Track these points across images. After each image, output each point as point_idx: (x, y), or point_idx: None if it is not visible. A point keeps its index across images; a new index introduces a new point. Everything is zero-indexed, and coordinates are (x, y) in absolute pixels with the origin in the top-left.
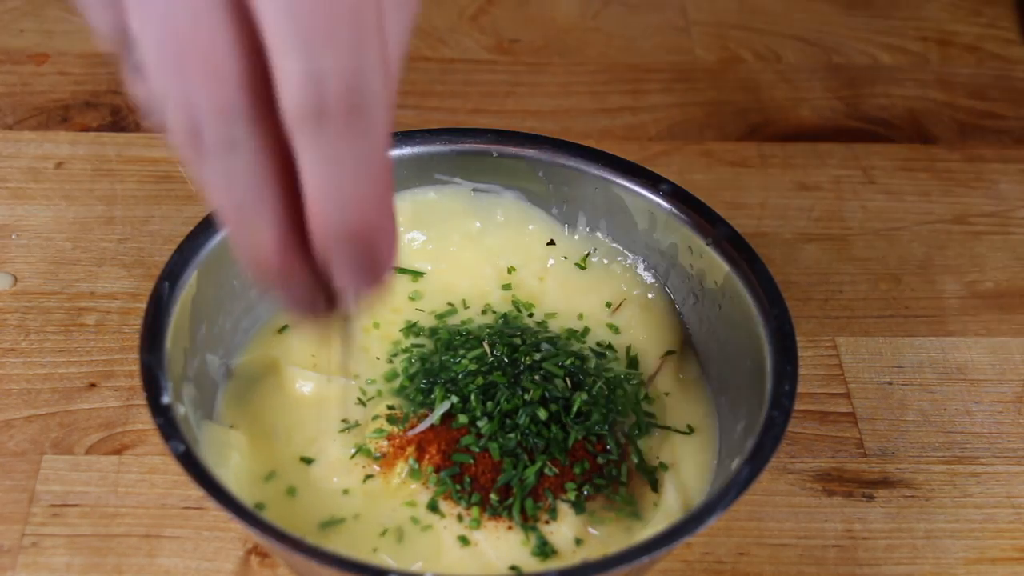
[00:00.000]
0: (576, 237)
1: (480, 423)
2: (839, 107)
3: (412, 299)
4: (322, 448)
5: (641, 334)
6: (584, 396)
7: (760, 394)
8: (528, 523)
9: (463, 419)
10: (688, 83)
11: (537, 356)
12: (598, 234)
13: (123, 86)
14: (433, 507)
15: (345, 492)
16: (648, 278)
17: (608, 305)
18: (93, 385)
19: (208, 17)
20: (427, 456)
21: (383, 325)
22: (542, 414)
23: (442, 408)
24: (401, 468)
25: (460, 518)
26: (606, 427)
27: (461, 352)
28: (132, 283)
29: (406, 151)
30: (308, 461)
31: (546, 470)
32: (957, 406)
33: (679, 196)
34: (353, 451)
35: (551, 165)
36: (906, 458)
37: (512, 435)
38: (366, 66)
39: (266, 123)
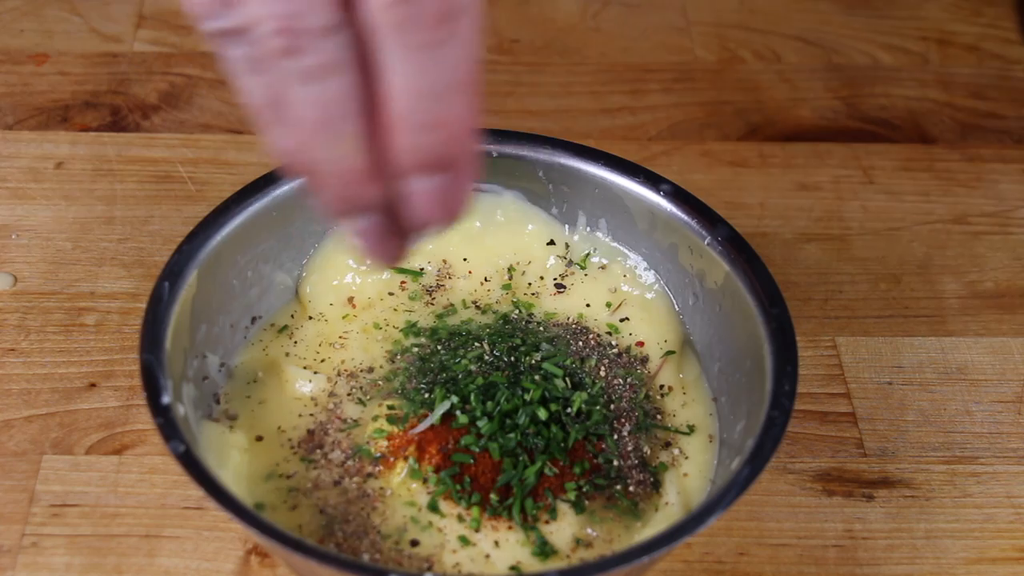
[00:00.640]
0: (576, 237)
1: (480, 423)
2: (839, 107)
3: (412, 299)
4: (322, 448)
5: (641, 334)
6: (584, 396)
7: (760, 394)
8: (528, 523)
9: (463, 419)
10: (688, 83)
11: (537, 356)
12: (598, 234)
13: (123, 86)
14: (433, 507)
15: (345, 492)
16: (648, 278)
17: (608, 305)
18: (93, 385)
19: None
20: (427, 456)
21: (383, 325)
22: (542, 414)
23: (442, 408)
24: (401, 468)
25: (460, 518)
26: (606, 427)
27: (461, 352)
28: (132, 283)
29: None
30: (308, 461)
31: (546, 470)
32: (957, 406)
33: (679, 196)
34: (353, 451)
35: (551, 165)
36: (906, 458)
37: (512, 435)
38: None
39: (354, 40)
